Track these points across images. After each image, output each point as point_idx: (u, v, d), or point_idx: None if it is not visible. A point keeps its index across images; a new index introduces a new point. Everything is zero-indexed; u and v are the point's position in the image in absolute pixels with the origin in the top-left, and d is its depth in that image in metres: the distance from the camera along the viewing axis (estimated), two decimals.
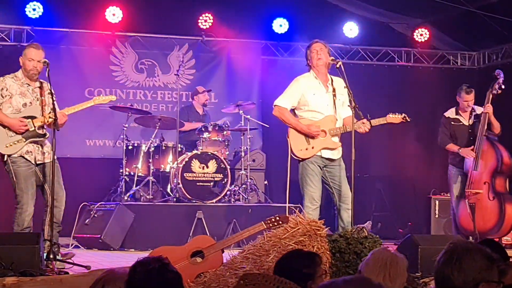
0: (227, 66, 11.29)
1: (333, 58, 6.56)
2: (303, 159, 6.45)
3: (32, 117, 6.39)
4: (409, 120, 6.70)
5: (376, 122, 6.53)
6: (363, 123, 6.39)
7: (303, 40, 11.00)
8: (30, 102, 6.45)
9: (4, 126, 6.35)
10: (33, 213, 6.40)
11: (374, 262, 2.92)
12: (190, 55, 11.13)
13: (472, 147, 8.18)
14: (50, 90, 6.35)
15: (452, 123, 8.39)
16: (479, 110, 8.29)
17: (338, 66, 6.35)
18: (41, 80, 6.56)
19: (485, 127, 8.15)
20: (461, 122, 8.37)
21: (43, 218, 6.45)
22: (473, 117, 8.35)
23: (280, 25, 11.28)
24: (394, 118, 6.66)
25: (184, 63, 10.44)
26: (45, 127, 6.49)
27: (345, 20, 11.51)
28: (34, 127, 6.38)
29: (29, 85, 6.49)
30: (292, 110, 6.58)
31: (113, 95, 7.38)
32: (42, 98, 6.44)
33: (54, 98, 6.44)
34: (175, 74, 10.17)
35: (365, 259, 3.02)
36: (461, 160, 8.27)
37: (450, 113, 8.45)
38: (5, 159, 6.37)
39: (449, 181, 8.47)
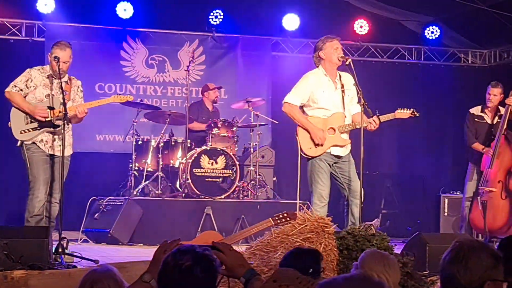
0: (237, 62, 11.28)
1: (343, 55, 6.56)
2: (313, 157, 6.45)
3: (51, 108, 6.49)
4: (417, 115, 6.76)
5: (385, 118, 6.57)
6: (372, 121, 6.41)
7: (314, 37, 10.98)
8: (53, 94, 6.55)
9: (25, 113, 6.48)
10: (44, 201, 6.45)
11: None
12: (201, 51, 11.13)
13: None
14: (79, 87, 6.69)
15: (476, 119, 8.34)
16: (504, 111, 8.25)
17: (347, 63, 6.37)
18: (71, 77, 6.74)
19: (505, 124, 8.08)
20: (484, 120, 8.32)
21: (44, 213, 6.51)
22: (497, 117, 8.29)
23: (291, 22, 11.26)
24: (403, 113, 6.71)
25: (194, 59, 10.42)
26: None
27: (356, 17, 11.48)
28: (52, 117, 6.47)
29: (54, 78, 6.58)
30: (301, 107, 6.59)
31: (131, 95, 7.51)
32: (67, 92, 6.50)
33: (79, 95, 6.75)
34: (185, 70, 10.17)
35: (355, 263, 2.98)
36: (479, 158, 8.23)
37: (476, 109, 8.41)
38: (19, 144, 6.51)
39: (466, 178, 8.45)
